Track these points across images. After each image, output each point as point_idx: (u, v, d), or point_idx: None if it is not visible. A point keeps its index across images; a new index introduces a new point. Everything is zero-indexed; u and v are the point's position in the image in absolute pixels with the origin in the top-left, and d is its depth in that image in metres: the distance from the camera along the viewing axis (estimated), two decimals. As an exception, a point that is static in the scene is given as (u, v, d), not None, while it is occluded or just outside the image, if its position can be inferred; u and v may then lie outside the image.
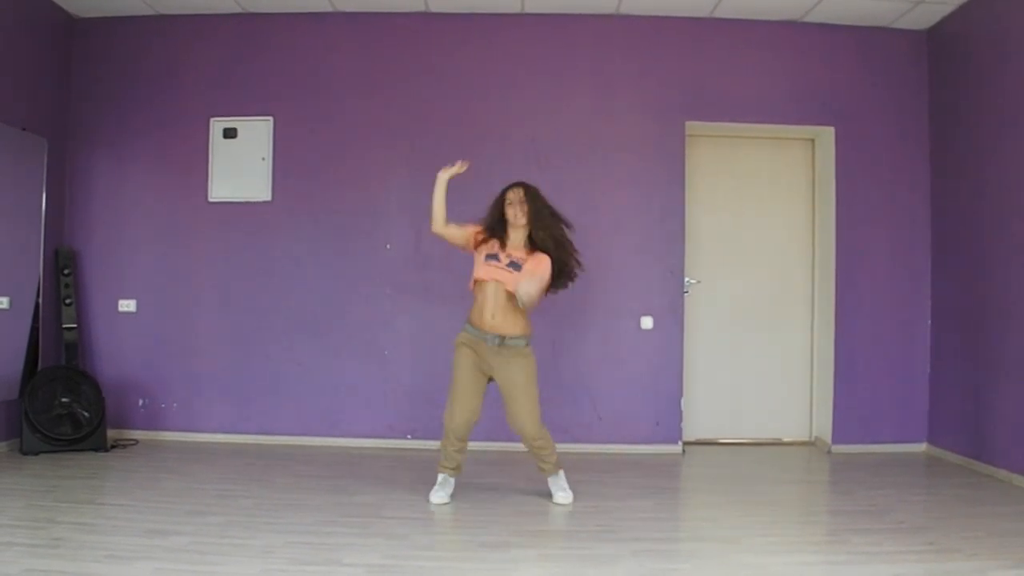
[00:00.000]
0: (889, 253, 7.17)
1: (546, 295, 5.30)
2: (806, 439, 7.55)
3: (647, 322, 7.05)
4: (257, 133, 7.15)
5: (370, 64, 7.18)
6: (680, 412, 7.05)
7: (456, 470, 5.43)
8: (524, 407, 5.21)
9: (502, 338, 5.19)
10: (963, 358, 6.66)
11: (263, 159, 7.14)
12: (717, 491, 5.96)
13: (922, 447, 7.12)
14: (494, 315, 5.20)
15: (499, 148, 7.07)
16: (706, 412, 7.48)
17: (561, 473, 5.46)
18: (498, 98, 7.16)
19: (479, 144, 7.05)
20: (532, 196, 5.36)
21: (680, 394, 7.06)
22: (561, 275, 5.32)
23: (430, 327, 7.05)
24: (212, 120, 7.18)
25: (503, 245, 5.30)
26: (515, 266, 5.20)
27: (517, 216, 5.28)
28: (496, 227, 5.36)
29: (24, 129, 6.52)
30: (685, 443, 7.13)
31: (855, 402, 7.10)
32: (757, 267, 7.53)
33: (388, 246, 7.10)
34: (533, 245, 5.30)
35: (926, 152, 7.18)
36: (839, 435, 7.10)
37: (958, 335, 6.74)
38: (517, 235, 5.32)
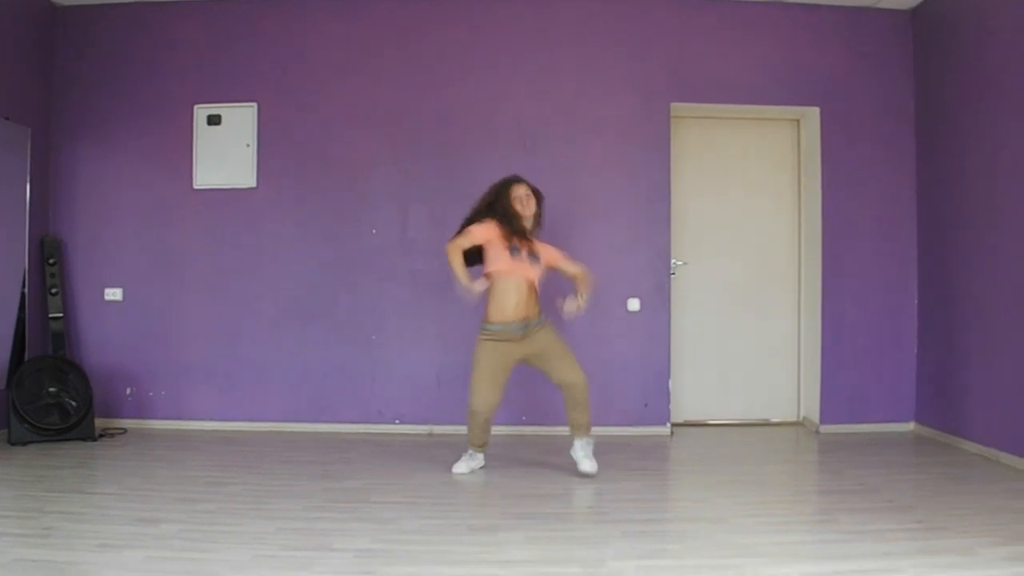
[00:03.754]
0: (875, 233, 7.18)
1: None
2: (794, 419, 7.58)
3: (634, 304, 7.05)
4: (241, 119, 7.12)
5: (354, 48, 7.15)
6: (668, 393, 7.07)
7: (483, 447, 5.72)
8: (569, 361, 5.53)
9: (525, 324, 5.47)
10: (950, 337, 6.68)
11: (247, 145, 7.12)
12: (706, 472, 5.98)
13: (910, 426, 7.15)
14: (518, 305, 5.46)
15: (484, 131, 7.08)
16: (694, 393, 7.50)
17: (591, 440, 5.60)
18: (483, 81, 7.13)
19: (464, 128, 7.08)
20: (534, 190, 5.66)
21: (668, 376, 7.07)
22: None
23: (417, 312, 7.06)
24: (196, 107, 7.15)
25: (518, 237, 5.50)
26: (534, 258, 5.53)
27: (527, 208, 5.54)
28: (510, 221, 5.52)
29: (7, 119, 6.48)
30: (673, 424, 7.15)
31: (842, 382, 7.13)
32: (744, 248, 7.54)
33: (374, 231, 7.09)
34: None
35: (911, 132, 7.19)
36: (827, 415, 7.13)
37: (945, 314, 6.76)
38: (525, 228, 5.57)
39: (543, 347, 5.52)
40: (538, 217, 5.63)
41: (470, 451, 5.70)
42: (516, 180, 5.62)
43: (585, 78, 7.14)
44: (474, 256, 5.59)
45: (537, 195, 5.62)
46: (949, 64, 6.70)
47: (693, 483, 5.81)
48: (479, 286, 5.45)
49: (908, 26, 7.20)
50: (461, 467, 5.67)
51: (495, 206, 5.54)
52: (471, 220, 5.59)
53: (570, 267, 5.71)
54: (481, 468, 5.74)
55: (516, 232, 5.48)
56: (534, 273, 5.50)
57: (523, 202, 5.51)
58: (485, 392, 5.46)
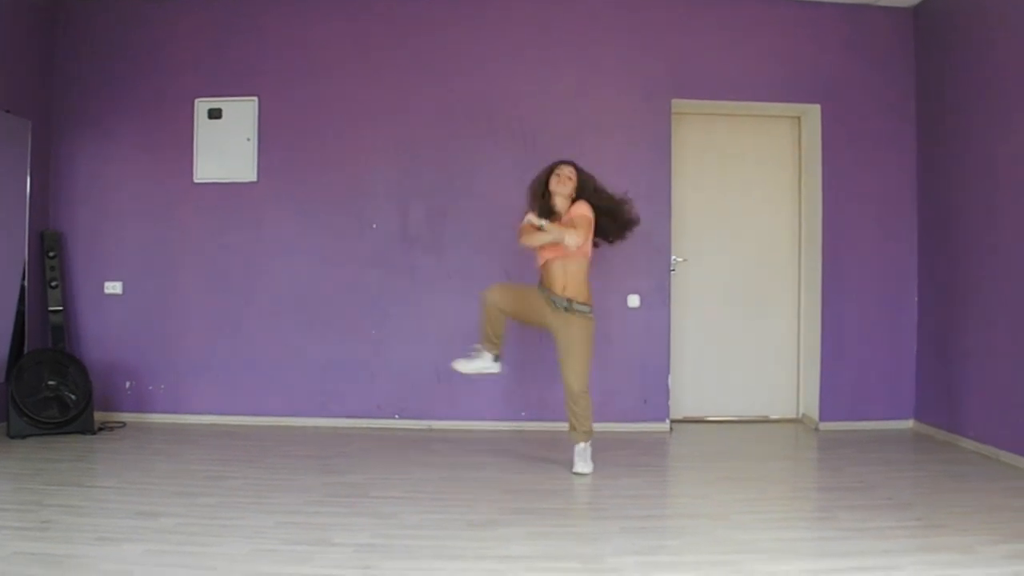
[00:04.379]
0: (876, 230, 7.18)
1: (601, 239, 5.81)
2: (793, 416, 7.58)
3: (634, 300, 7.05)
4: (242, 113, 7.11)
5: (355, 43, 7.14)
6: (667, 390, 7.07)
7: (489, 342, 5.75)
8: (576, 363, 5.54)
9: (570, 302, 5.55)
10: (949, 335, 6.68)
11: (248, 140, 7.11)
12: (705, 468, 5.99)
13: (909, 424, 7.16)
14: (565, 287, 5.58)
15: (485, 127, 7.07)
16: (693, 390, 7.50)
17: (588, 445, 5.62)
18: (484, 77, 7.12)
19: (466, 123, 7.07)
20: (579, 171, 5.79)
21: (667, 372, 7.07)
22: (617, 223, 5.82)
23: (417, 306, 7.05)
24: (197, 101, 7.13)
25: (549, 215, 5.60)
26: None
27: (561, 184, 5.66)
28: (541, 197, 5.72)
29: (8, 112, 6.46)
30: (673, 421, 7.15)
31: (842, 379, 7.13)
32: (744, 245, 7.54)
33: (374, 226, 7.08)
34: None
35: (912, 129, 7.18)
36: (826, 412, 7.13)
37: (944, 312, 6.76)
38: (561, 205, 5.67)
39: (568, 339, 5.55)
40: (583, 189, 5.69)
41: (477, 346, 5.77)
42: (563, 162, 5.80)
43: (586, 74, 7.13)
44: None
45: (578, 170, 5.77)
46: (950, 61, 6.69)
47: (692, 480, 5.82)
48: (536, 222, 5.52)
49: (909, 23, 7.19)
50: (461, 362, 5.79)
51: (537, 183, 5.81)
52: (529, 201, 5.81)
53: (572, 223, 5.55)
54: (492, 374, 5.87)
55: (542, 212, 5.60)
56: (566, 247, 5.47)
57: (561, 180, 5.66)
58: (500, 289, 5.74)
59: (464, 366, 5.73)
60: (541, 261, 5.64)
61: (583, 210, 5.53)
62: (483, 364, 5.73)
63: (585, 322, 5.57)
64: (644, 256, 7.04)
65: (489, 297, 5.63)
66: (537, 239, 5.49)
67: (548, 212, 5.60)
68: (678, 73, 7.13)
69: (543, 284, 5.65)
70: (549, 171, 5.74)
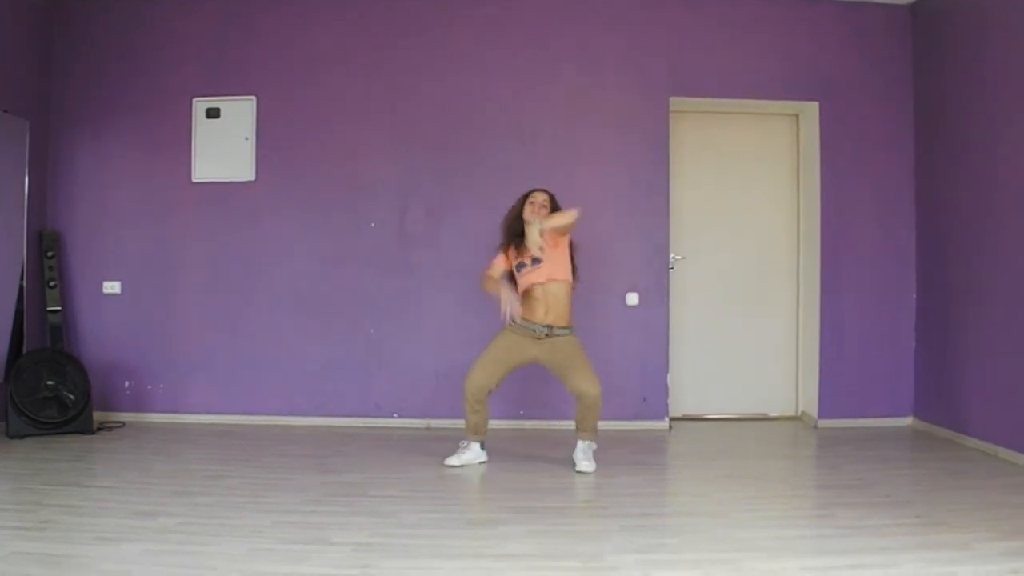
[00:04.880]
0: (874, 227, 7.18)
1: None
2: (792, 414, 7.57)
3: (632, 298, 7.05)
4: (240, 113, 7.11)
5: (354, 41, 7.14)
6: (666, 388, 7.07)
7: (477, 434, 5.71)
8: (583, 371, 5.53)
9: (551, 328, 5.58)
10: (948, 333, 6.68)
11: (246, 139, 7.11)
12: (704, 466, 5.99)
13: (908, 421, 7.16)
14: (547, 312, 5.57)
15: (483, 125, 7.07)
16: (692, 388, 7.50)
17: (593, 444, 5.64)
18: (482, 75, 7.12)
19: (464, 121, 7.08)
20: (553, 197, 5.79)
21: (666, 370, 7.07)
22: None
23: (415, 306, 7.05)
24: (195, 100, 7.13)
25: (520, 249, 5.61)
26: (537, 261, 5.54)
27: (536, 213, 5.61)
28: (514, 227, 5.68)
29: (5, 111, 6.46)
30: (672, 419, 7.15)
31: (841, 377, 7.13)
32: (742, 243, 7.53)
33: (373, 225, 7.08)
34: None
35: (910, 127, 7.18)
36: (825, 410, 7.13)
37: (943, 310, 6.76)
38: (530, 234, 5.45)
39: (563, 358, 5.57)
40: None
41: (464, 441, 5.74)
42: (537, 189, 5.79)
43: (584, 72, 7.12)
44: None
45: (553, 200, 5.77)
46: (948, 59, 6.69)
47: (691, 478, 5.81)
48: (515, 302, 5.49)
49: (907, 21, 7.19)
50: (452, 459, 5.67)
51: (512, 213, 5.77)
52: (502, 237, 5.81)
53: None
54: (481, 463, 5.71)
55: (516, 240, 5.61)
56: (547, 273, 5.53)
57: (535, 208, 5.67)
58: (480, 370, 5.59)
59: (455, 460, 5.66)
60: (524, 288, 5.62)
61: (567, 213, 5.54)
62: (472, 456, 5.70)
63: (569, 338, 5.63)
64: (642, 254, 7.05)
65: (473, 384, 5.56)
66: (531, 277, 5.58)
67: (520, 248, 5.62)
68: (676, 71, 7.13)
69: (522, 313, 5.56)
70: (523, 200, 5.76)
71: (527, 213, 5.64)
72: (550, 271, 5.54)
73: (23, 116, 6.70)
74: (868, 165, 7.16)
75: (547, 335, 5.55)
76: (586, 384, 5.48)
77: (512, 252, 5.68)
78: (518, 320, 5.51)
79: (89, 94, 7.16)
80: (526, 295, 5.61)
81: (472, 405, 5.60)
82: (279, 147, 7.11)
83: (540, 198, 5.70)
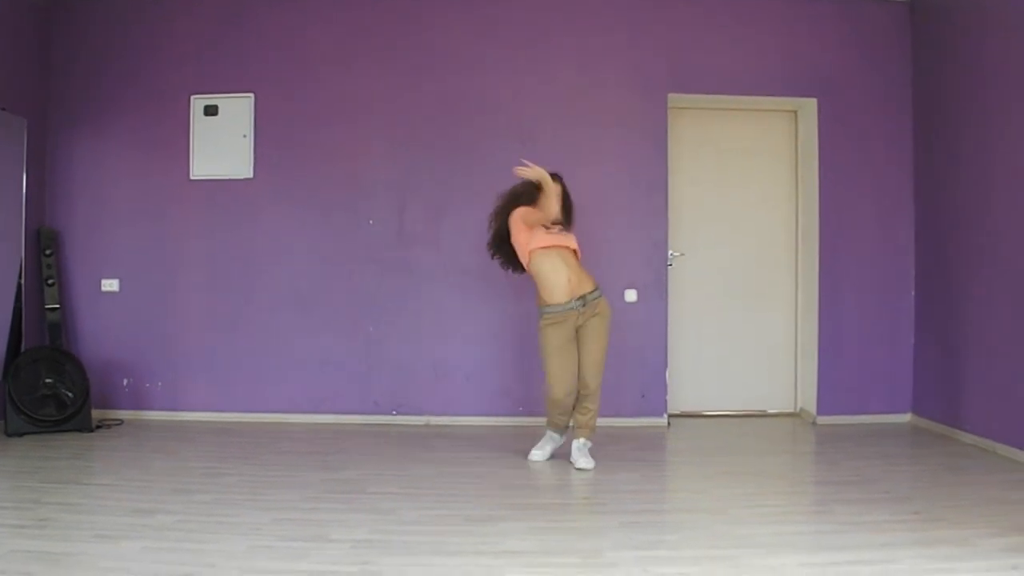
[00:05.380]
0: (873, 224, 7.18)
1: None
2: (791, 410, 7.58)
3: (631, 295, 7.05)
4: (238, 110, 7.10)
5: (352, 39, 7.13)
6: (665, 385, 7.07)
7: (564, 429, 5.78)
8: (597, 362, 5.58)
9: (583, 298, 5.51)
10: (947, 329, 6.68)
11: (244, 136, 7.10)
12: (703, 463, 5.99)
13: (907, 418, 7.16)
14: (570, 279, 5.47)
15: (482, 122, 7.07)
16: (691, 384, 7.50)
17: (588, 442, 5.63)
18: (481, 72, 7.12)
19: (462, 118, 7.08)
20: (565, 191, 5.71)
21: (665, 367, 7.07)
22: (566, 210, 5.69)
23: (414, 302, 7.05)
24: (193, 97, 7.13)
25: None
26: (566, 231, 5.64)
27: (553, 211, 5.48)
28: (532, 194, 5.55)
29: (3, 109, 6.45)
30: (671, 415, 7.15)
31: (840, 373, 7.13)
32: (741, 239, 7.54)
33: (371, 222, 7.08)
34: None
35: (909, 123, 7.18)
36: (824, 406, 7.13)
37: (942, 305, 6.76)
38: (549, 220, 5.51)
39: (590, 335, 5.56)
40: (567, 210, 5.66)
41: (549, 432, 5.77)
42: (556, 176, 5.68)
43: (583, 69, 7.12)
44: (512, 256, 5.67)
45: (564, 190, 5.70)
46: (947, 56, 6.69)
47: (690, 474, 5.81)
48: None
49: (906, 18, 7.18)
50: (537, 454, 5.73)
51: (522, 187, 5.63)
52: (501, 214, 5.68)
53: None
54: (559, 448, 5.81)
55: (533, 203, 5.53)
56: (573, 241, 5.56)
57: (557, 202, 5.54)
58: (563, 378, 5.50)
59: (537, 455, 5.73)
60: (532, 255, 5.49)
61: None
62: (556, 443, 5.80)
63: (603, 318, 5.59)
64: (641, 250, 7.05)
65: (559, 394, 5.51)
66: (557, 239, 5.52)
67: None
68: (675, 67, 7.12)
69: (544, 299, 5.53)
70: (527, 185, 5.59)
71: (553, 207, 5.47)
72: (574, 241, 5.58)
73: (21, 114, 6.69)
74: (867, 161, 7.16)
75: (584, 305, 5.49)
76: (591, 375, 5.54)
77: (535, 214, 5.50)
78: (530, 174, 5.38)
79: (87, 92, 7.15)
80: (541, 262, 5.49)
81: (561, 411, 5.61)
82: (277, 144, 7.11)
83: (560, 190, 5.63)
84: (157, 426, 6.82)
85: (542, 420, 6.70)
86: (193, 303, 7.15)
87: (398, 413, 7.05)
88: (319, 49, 7.13)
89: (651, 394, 7.06)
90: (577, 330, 5.55)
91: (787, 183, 7.58)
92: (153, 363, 7.14)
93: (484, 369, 7.03)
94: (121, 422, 6.90)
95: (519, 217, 5.52)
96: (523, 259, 5.55)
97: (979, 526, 4.22)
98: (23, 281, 6.71)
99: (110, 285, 7.14)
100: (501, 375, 6.97)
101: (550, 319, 5.50)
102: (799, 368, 7.54)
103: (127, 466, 5.51)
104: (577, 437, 5.62)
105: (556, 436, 5.77)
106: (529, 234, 5.49)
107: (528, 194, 5.56)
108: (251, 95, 7.12)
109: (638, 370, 7.05)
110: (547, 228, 5.53)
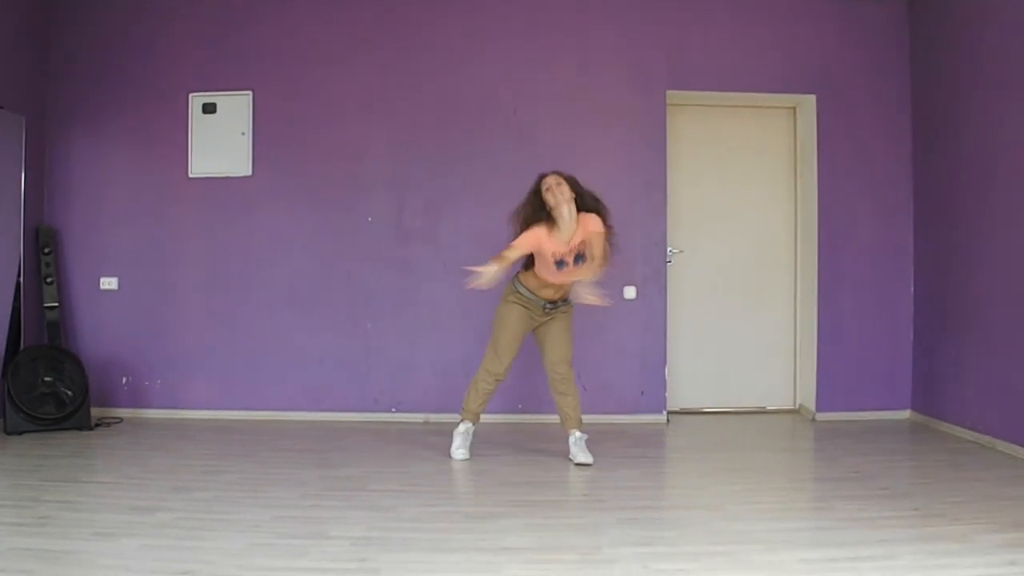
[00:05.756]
0: (872, 220, 7.18)
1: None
2: (790, 407, 7.58)
3: (630, 292, 7.04)
4: (237, 107, 7.09)
5: (350, 36, 7.12)
6: (664, 381, 7.07)
7: (477, 417, 5.76)
8: (565, 344, 5.61)
9: (554, 304, 5.55)
10: (945, 326, 6.68)
11: (243, 134, 7.09)
12: (702, 459, 6.01)
13: (906, 414, 7.16)
14: (555, 292, 5.51)
15: (480, 120, 7.07)
16: (690, 381, 7.50)
17: (583, 435, 5.60)
18: (479, 69, 7.11)
19: (460, 116, 7.07)
20: (559, 173, 5.49)
21: (664, 364, 7.07)
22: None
23: (413, 300, 7.05)
24: (191, 95, 7.11)
25: (551, 228, 5.36)
26: (580, 259, 5.34)
27: (555, 194, 5.34)
28: (540, 215, 5.40)
29: (2, 107, 6.45)
30: (669, 412, 7.14)
31: (839, 370, 7.12)
32: (740, 236, 7.54)
33: (370, 219, 7.07)
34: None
35: (908, 120, 7.18)
36: (823, 403, 7.13)
37: (941, 303, 6.76)
38: (568, 213, 5.35)
39: (554, 327, 5.59)
40: (581, 197, 5.44)
41: (464, 424, 5.71)
42: (541, 176, 5.52)
43: (581, 66, 7.11)
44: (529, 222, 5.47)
45: (565, 176, 5.45)
46: (946, 52, 6.68)
47: (689, 471, 5.83)
48: (493, 267, 5.22)
49: (905, 14, 7.18)
50: (460, 451, 5.64)
51: (529, 205, 5.46)
52: (521, 230, 5.46)
53: (592, 255, 5.28)
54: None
55: (545, 222, 5.35)
56: (587, 272, 5.25)
57: (553, 192, 5.34)
58: (509, 353, 5.57)
59: (461, 451, 5.65)
60: (534, 270, 5.48)
61: (594, 226, 5.32)
62: (470, 436, 5.74)
63: (566, 313, 5.65)
64: (640, 248, 7.04)
65: (497, 368, 5.57)
66: (571, 275, 5.34)
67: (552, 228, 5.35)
68: (674, 64, 7.11)
69: (524, 280, 5.52)
70: (536, 190, 5.44)
71: (549, 199, 5.34)
72: (584, 271, 5.29)
73: (19, 112, 6.69)
74: (866, 158, 7.15)
75: (553, 308, 5.54)
76: (561, 353, 5.56)
77: (550, 238, 5.33)
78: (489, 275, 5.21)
79: (85, 90, 7.14)
80: (539, 269, 5.44)
81: (489, 393, 5.66)
82: (276, 142, 7.10)
83: (552, 180, 5.40)
84: (156, 424, 6.82)
85: (542, 417, 6.74)
86: (192, 301, 7.15)
87: (397, 410, 7.05)
88: (318, 46, 7.12)
89: (650, 391, 7.05)
90: (541, 326, 5.62)
91: (786, 179, 7.58)
92: (152, 361, 7.13)
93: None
94: (120, 420, 6.89)
95: (535, 239, 5.36)
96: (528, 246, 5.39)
97: (978, 522, 4.22)
98: (22, 279, 6.71)
99: (109, 283, 7.13)
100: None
101: (518, 298, 5.54)
102: (798, 364, 7.54)
103: (126, 464, 5.51)
104: (571, 432, 5.59)
105: (471, 427, 5.73)
106: (539, 258, 5.43)
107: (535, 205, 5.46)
108: (249, 92, 7.11)
109: (637, 367, 7.05)
110: (562, 257, 5.36)
